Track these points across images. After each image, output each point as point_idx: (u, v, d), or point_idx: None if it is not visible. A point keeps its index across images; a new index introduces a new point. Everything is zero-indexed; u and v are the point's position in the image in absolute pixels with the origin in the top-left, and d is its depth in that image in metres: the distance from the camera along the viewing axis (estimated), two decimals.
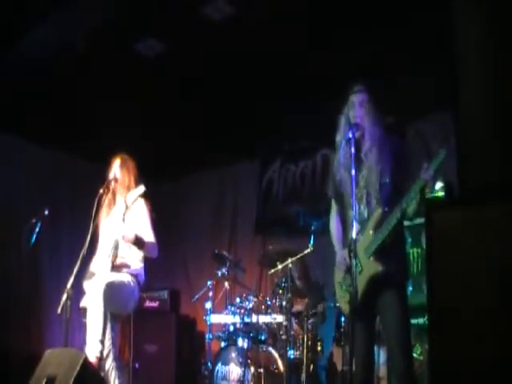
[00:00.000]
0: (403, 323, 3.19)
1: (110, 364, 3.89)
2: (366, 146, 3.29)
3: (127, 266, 4.15)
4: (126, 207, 4.03)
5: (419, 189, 3.02)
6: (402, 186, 3.23)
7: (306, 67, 5.42)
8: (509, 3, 1.73)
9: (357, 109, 3.32)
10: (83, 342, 3.90)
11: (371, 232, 3.19)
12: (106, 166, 4.43)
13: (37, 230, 4.87)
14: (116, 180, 4.30)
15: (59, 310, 3.77)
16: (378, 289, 3.18)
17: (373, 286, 3.17)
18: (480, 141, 1.76)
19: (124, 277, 4.10)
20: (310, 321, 5.00)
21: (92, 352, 3.77)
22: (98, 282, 3.94)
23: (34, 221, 4.88)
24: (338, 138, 3.44)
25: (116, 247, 4.05)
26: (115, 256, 4.05)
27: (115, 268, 4.07)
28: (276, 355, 4.90)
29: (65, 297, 3.78)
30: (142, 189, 4.07)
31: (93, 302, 3.87)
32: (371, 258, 3.16)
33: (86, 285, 4.06)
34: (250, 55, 5.38)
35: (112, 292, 3.92)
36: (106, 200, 4.30)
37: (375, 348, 5.19)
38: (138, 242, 4.08)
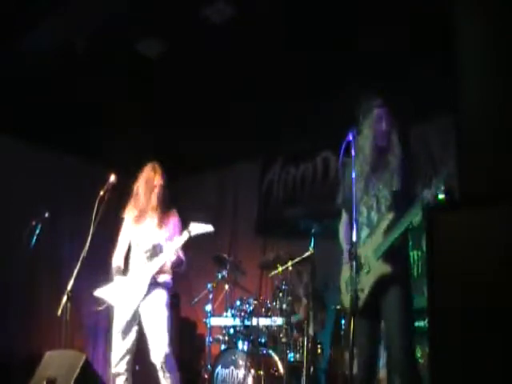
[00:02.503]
0: (407, 324, 3.26)
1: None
2: (390, 157, 3.41)
3: (165, 280, 4.28)
4: (188, 237, 4.12)
5: (421, 207, 3.11)
6: (412, 192, 3.32)
7: (306, 67, 5.42)
8: (509, 3, 1.73)
9: (384, 122, 3.43)
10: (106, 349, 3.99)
11: (381, 235, 3.29)
12: (107, 166, 4.43)
13: (37, 231, 4.87)
14: (153, 187, 4.34)
15: (59, 312, 3.78)
16: (384, 289, 3.26)
17: (379, 286, 3.25)
18: (480, 142, 1.75)
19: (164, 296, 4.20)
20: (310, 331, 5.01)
21: (160, 354, 3.98)
22: (135, 297, 4.07)
23: (34, 223, 4.88)
24: (361, 145, 3.47)
25: (160, 268, 4.17)
26: (157, 274, 4.18)
27: (154, 283, 4.18)
28: (276, 358, 4.89)
29: (65, 298, 3.78)
30: (210, 228, 4.18)
31: (160, 310, 4.08)
32: (379, 260, 3.25)
33: (119, 280, 4.19)
34: (251, 56, 5.37)
35: None
36: (140, 203, 4.34)
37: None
38: (180, 264, 4.29)
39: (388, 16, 4.65)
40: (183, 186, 7.97)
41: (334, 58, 5.19)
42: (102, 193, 4.16)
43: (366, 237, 3.34)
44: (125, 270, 4.29)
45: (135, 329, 4.10)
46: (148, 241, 4.26)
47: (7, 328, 6.11)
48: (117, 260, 4.33)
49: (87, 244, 3.96)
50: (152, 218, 4.30)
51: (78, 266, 3.89)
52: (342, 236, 3.67)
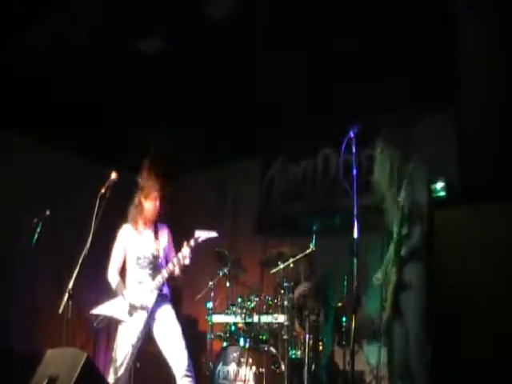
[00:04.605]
0: (422, 322, 3.31)
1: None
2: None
3: (167, 292, 4.49)
4: (194, 244, 4.33)
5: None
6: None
7: (305, 66, 5.42)
8: (509, 3, 1.73)
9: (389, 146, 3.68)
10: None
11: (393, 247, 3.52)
12: (106, 165, 4.43)
13: (38, 229, 4.86)
14: (153, 198, 4.48)
15: (60, 310, 3.78)
16: (401, 294, 3.42)
17: (397, 292, 3.43)
18: (481, 141, 1.76)
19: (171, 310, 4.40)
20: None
21: (182, 367, 4.29)
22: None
23: (35, 221, 4.88)
24: (376, 176, 3.73)
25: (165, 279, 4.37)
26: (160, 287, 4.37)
27: (160, 294, 4.38)
28: (277, 355, 4.90)
29: (66, 297, 3.79)
30: (214, 234, 4.42)
31: (173, 327, 4.29)
32: (393, 270, 3.45)
33: (124, 295, 4.29)
34: (251, 53, 5.37)
35: None
36: (142, 215, 4.47)
37: (376, 347, 5.21)
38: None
39: (388, 16, 4.64)
40: (183, 185, 7.99)
41: (333, 56, 5.19)
42: (102, 190, 4.16)
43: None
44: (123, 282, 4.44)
45: (141, 339, 4.31)
46: (149, 253, 4.42)
47: (9, 326, 6.12)
48: (113, 274, 4.45)
49: (88, 242, 3.96)
50: (151, 230, 4.49)
51: (79, 265, 3.89)
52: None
